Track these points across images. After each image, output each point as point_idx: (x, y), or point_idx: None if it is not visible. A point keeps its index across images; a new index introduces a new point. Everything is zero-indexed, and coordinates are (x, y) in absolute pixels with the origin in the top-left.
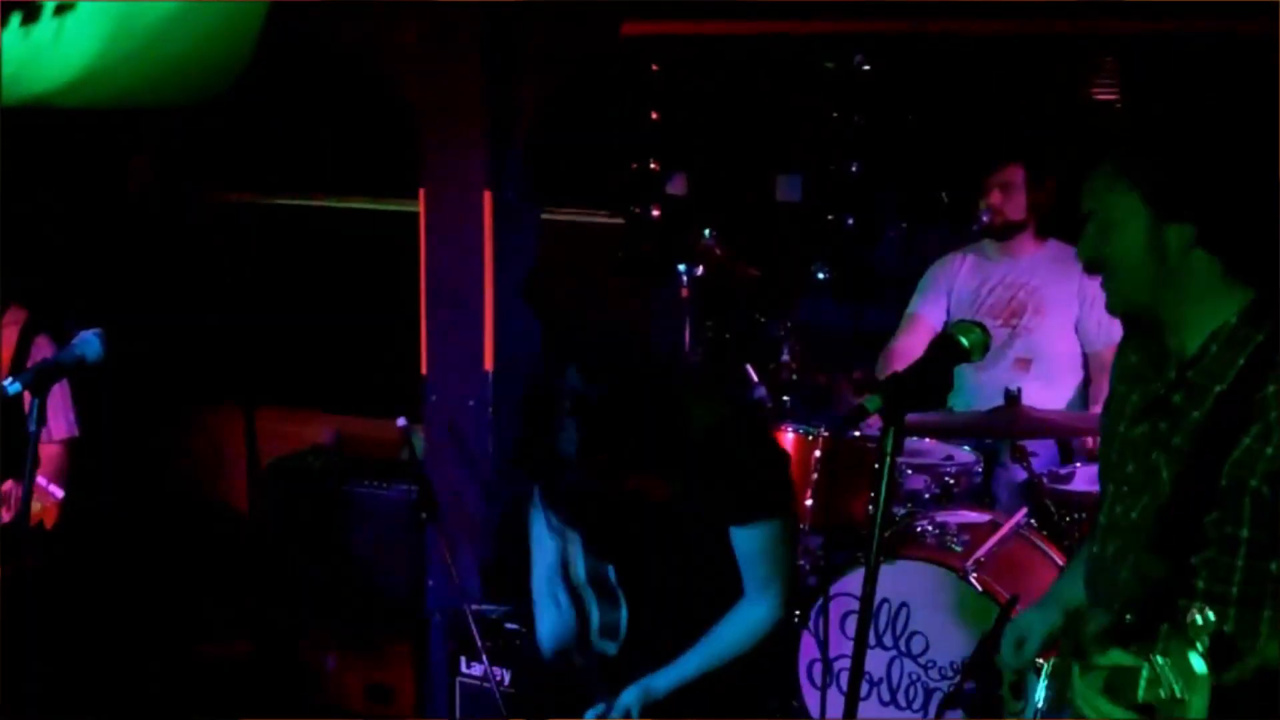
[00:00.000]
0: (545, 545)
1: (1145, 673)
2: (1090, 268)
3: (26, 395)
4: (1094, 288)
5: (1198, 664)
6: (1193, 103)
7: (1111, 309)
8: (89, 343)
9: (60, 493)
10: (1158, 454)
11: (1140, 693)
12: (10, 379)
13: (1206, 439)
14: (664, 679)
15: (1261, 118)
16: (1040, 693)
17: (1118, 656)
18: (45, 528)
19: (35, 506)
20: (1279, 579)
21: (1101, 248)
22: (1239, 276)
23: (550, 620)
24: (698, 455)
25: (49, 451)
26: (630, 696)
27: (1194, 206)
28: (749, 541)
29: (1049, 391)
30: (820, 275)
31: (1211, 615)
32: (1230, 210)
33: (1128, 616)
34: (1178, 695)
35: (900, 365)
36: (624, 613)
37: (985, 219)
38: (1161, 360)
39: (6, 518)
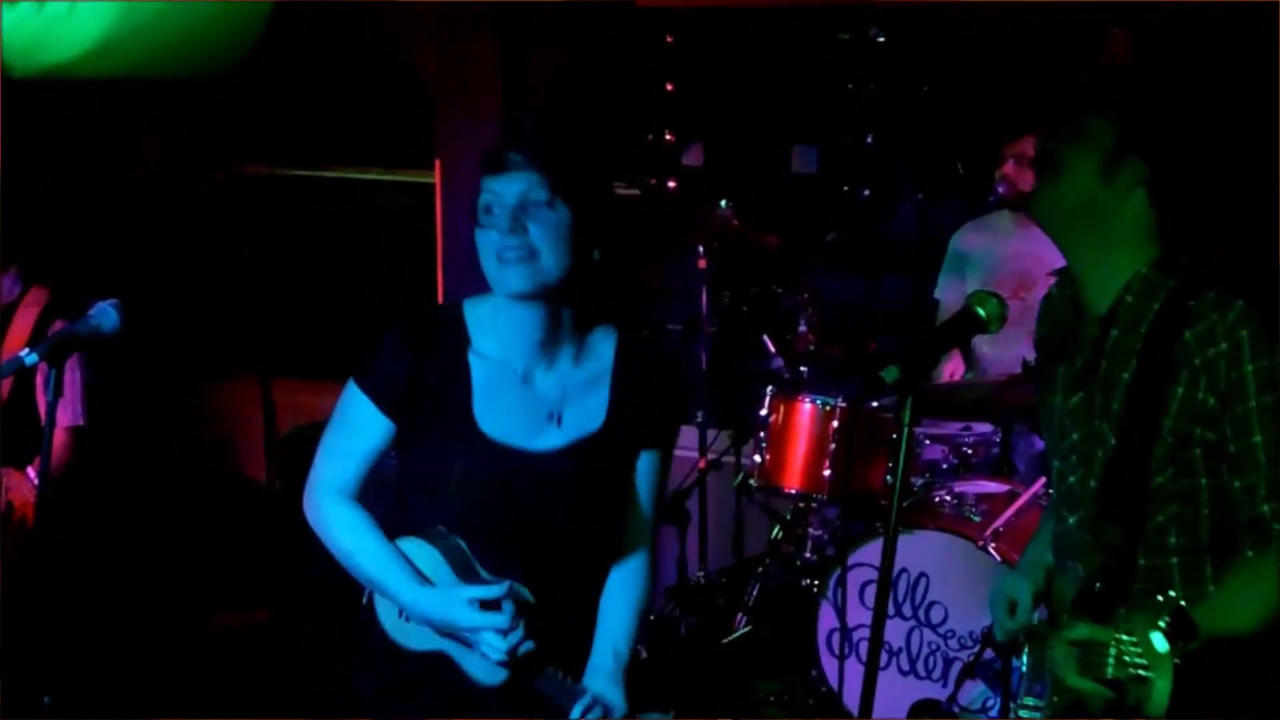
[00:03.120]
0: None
1: (1112, 650)
2: (1038, 159)
3: (39, 383)
4: None
5: (1159, 643)
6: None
7: (1039, 209)
8: (105, 314)
9: (35, 480)
10: (1099, 422)
11: (1109, 669)
12: (27, 349)
13: (1140, 397)
14: (604, 677)
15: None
16: (1023, 659)
17: (1086, 631)
18: (27, 525)
19: (17, 500)
20: (1247, 520)
21: (1059, 140)
22: (1162, 232)
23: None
24: (622, 377)
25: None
26: (612, 695)
27: (1155, 145)
28: (654, 467)
29: None
30: (836, 246)
31: (1173, 594)
32: (1185, 163)
33: (1097, 585)
34: (1143, 675)
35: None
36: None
37: (1001, 190)
38: (1079, 325)
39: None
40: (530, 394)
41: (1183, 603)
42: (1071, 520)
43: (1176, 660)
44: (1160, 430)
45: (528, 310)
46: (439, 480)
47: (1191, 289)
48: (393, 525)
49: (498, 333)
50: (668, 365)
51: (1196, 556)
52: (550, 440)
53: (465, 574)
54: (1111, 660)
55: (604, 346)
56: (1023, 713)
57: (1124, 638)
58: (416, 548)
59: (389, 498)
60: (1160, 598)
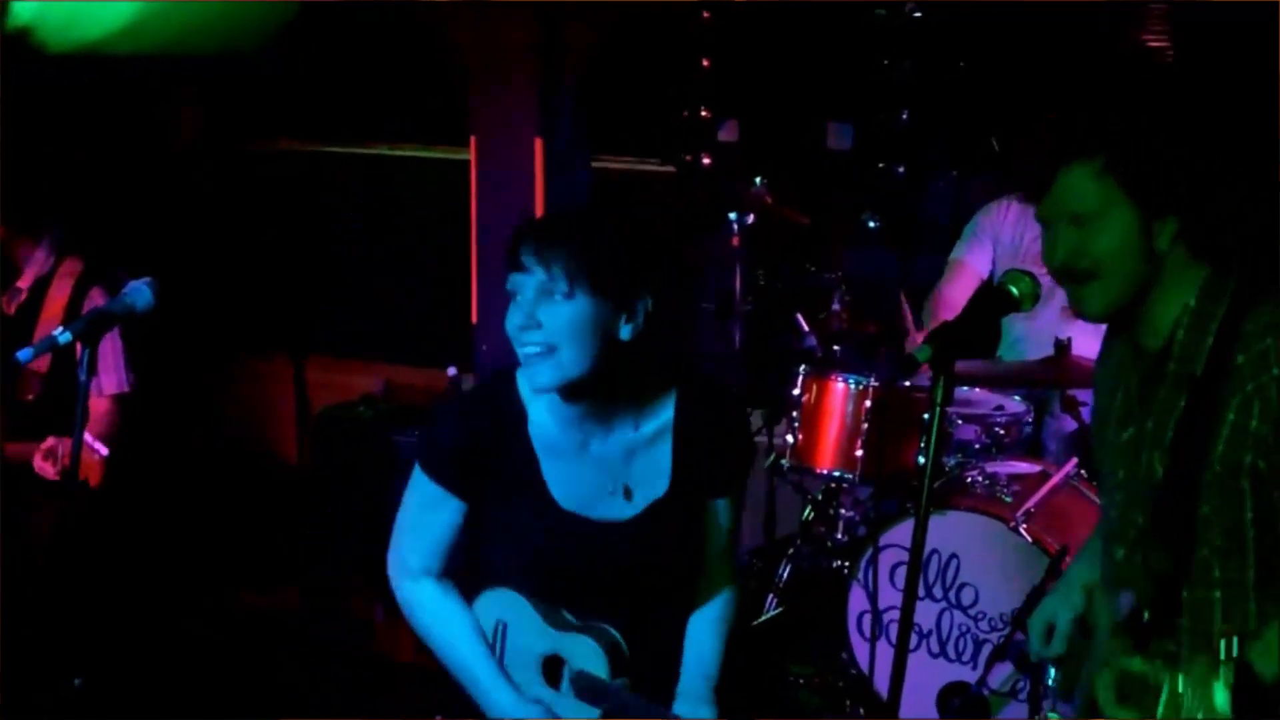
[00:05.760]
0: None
1: (1166, 689)
2: (1067, 275)
3: (78, 346)
4: None
5: (1221, 699)
6: (1168, 94)
7: (1090, 313)
8: (140, 292)
9: (105, 450)
10: (1148, 453)
11: (1160, 709)
12: (61, 328)
13: (1192, 425)
14: (695, 699)
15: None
16: (1051, 676)
17: (1140, 666)
18: (90, 485)
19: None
20: None
21: (1088, 248)
22: (1201, 257)
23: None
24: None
25: (98, 407)
26: (703, 714)
27: (1181, 201)
28: (728, 512)
29: (1097, 340)
30: (871, 224)
31: (1236, 647)
32: (1213, 200)
33: (1145, 615)
34: None
35: (947, 312)
36: (614, 633)
37: None
38: (1136, 359)
39: (52, 473)
40: (592, 463)
41: (1249, 660)
42: (1119, 554)
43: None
44: (1209, 457)
45: (573, 392)
46: (519, 547)
47: (1242, 309)
48: (479, 578)
49: (551, 408)
50: (729, 413)
51: (1241, 590)
52: (622, 510)
53: (554, 621)
54: (1164, 703)
55: (664, 406)
56: None
57: (1181, 681)
58: (506, 596)
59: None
60: (1224, 648)
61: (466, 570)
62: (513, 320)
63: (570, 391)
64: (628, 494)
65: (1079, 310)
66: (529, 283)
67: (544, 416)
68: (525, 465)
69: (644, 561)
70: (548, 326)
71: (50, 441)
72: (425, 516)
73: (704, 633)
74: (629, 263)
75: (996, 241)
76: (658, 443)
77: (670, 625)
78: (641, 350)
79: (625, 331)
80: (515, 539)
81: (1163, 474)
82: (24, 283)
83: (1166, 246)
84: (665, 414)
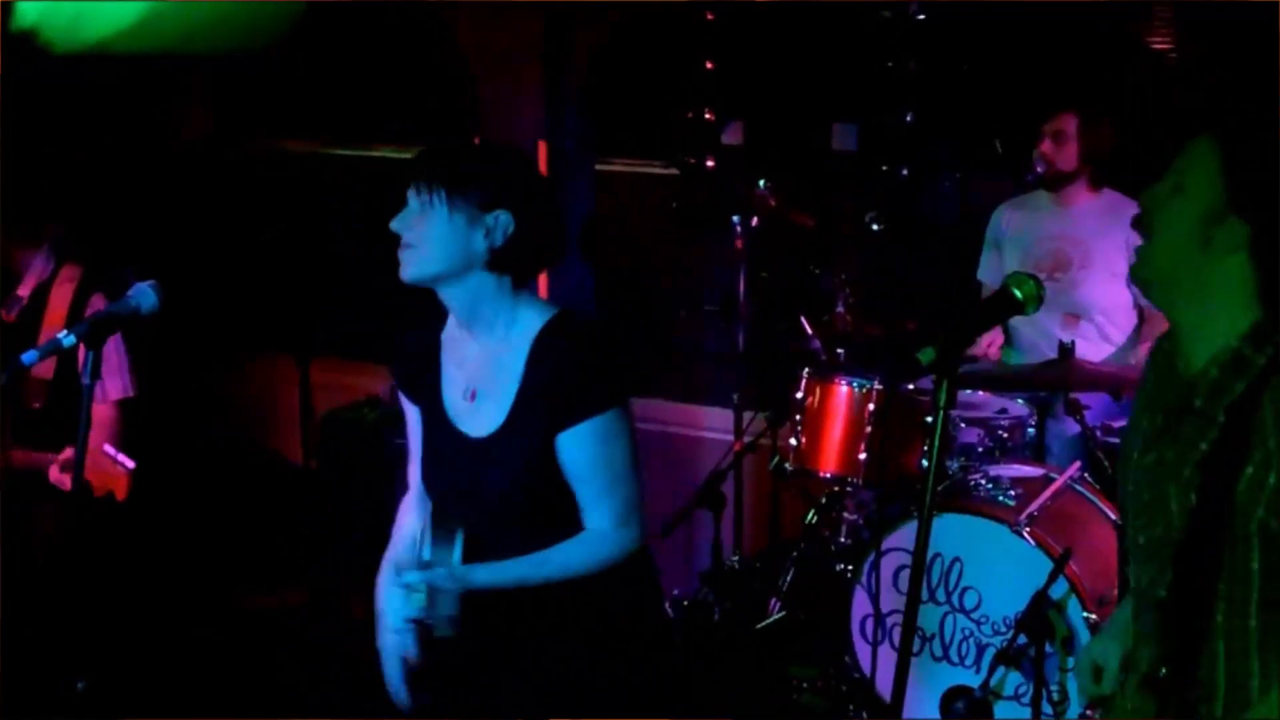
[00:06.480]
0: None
1: None
2: (1135, 226)
3: (81, 350)
4: None
5: None
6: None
7: (1135, 274)
8: (144, 294)
9: (131, 463)
10: (1167, 484)
11: None
12: (65, 331)
13: (1213, 472)
14: (483, 572)
15: None
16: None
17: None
18: (117, 499)
19: (103, 472)
20: None
21: (1152, 213)
22: (1263, 297)
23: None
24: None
25: (103, 413)
26: (441, 573)
27: (1264, 208)
28: (575, 447)
29: (1103, 345)
30: (875, 226)
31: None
32: None
33: (1163, 670)
34: None
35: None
36: (458, 545)
37: (1039, 169)
38: (1170, 378)
39: (70, 485)
40: (460, 372)
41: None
42: (1145, 580)
43: None
44: (1228, 507)
45: (443, 293)
46: (423, 451)
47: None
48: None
49: (455, 321)
50: (580, 348)
51: (1243, 643)
52: (475, 427)
53: (439, 528)
54: None
55: (529, 330)
56: None
57: None
58: (425, 501)
59: None
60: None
61: None
62: (394, 227)
63: (444, 296)
64: (472, 398)
65: (1130, 272)
66: (411, 197)
67: (451, 330)
68: (432, 374)
69: (490, 479)
70: (414, 230)
71: (69, 452)
72: (407, 421)
73: (528, 555)
74: (481, 181)
75: (1002, 249)
76: (510, 370)
77: (518, 549)
78: (509, 269)
79: (480, 243)
80: (422, 443)
81: (1177, 510)
82: (24, 290)
83: (1225, 246)
84: (525, 345)
